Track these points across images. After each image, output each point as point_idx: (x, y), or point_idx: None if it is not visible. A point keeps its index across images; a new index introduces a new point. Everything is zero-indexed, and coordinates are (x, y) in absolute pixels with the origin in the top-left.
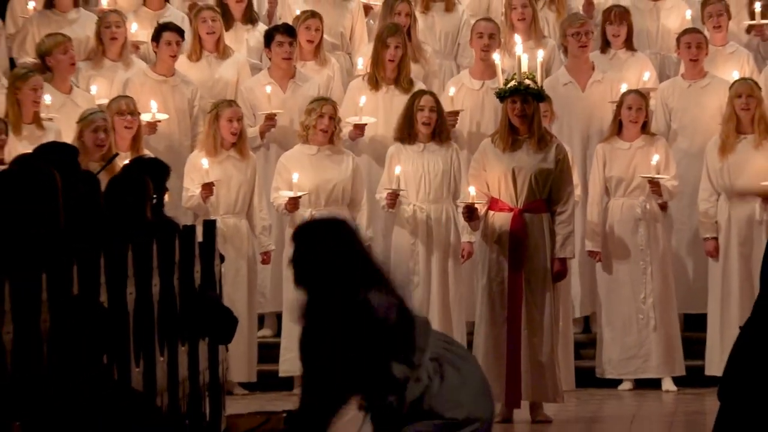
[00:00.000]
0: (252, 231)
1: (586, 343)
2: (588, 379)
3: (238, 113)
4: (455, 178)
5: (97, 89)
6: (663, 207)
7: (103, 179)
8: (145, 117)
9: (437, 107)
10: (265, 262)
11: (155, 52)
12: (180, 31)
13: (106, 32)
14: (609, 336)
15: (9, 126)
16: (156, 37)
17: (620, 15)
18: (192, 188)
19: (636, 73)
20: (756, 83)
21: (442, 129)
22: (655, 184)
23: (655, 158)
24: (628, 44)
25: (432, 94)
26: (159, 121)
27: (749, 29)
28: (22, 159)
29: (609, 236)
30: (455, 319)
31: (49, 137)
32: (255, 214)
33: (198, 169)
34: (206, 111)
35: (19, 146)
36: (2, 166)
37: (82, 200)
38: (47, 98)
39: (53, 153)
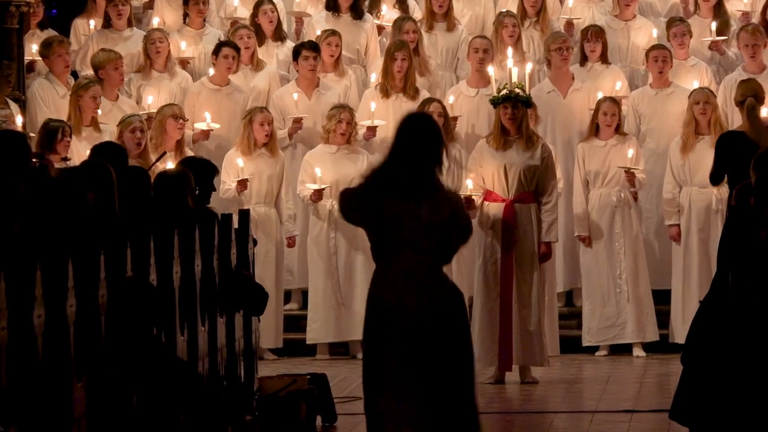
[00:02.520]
0: (279, 218)
1: (568, 315)
2: (570, 345)
3: (268, 118)
4: (457, 174)
5: (153, 100)
6: (634, 197)
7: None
8: (200, 125)
9: (444, 112)
10: (290, 245)
11: (213, 64)
12: (237, 48)
13: (152, 47)
14: (589, 308)
15: (71, 128)
16: (216, 51)
17: (596, 33)
18: (228, 182)
19: (610, 83)
20: (712, 92)
21: (447, 131)
22: (630, 174)
23: (630, 152)
24: (603, 58)
25: (439, 101)
26: (212, 129)
27: (710, 46)
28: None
29: (589, 221)
30: None
31: (105, 138)
32: (282, 204)
33: (234, 165)
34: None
35: (79, 146)
36: (68, 161)
37: (132, 192)
38: None
39: (107, 152)
